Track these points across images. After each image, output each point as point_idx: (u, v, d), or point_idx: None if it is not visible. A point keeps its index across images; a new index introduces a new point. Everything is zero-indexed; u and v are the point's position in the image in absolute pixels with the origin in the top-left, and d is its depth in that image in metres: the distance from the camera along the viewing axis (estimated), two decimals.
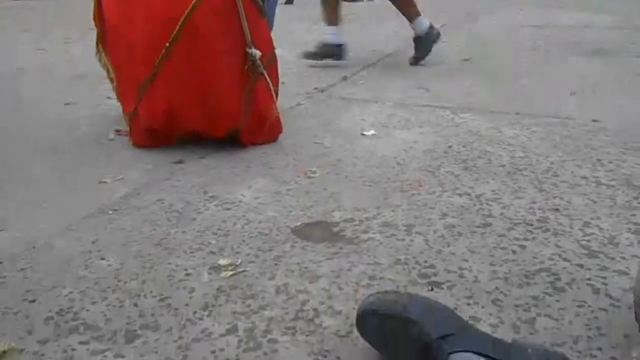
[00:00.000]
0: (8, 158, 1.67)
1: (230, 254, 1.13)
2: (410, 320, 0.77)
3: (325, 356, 0.84)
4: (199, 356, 0.84)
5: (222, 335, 0.89)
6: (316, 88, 2.41)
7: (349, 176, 1.50)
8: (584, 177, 1.46)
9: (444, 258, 1.09)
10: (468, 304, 0.95)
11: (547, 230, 1.19)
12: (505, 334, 0.87)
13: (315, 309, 0.95)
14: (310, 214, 1.29)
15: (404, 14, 2.86)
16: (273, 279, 1.04)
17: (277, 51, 1.77)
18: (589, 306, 0.94)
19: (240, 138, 1.70)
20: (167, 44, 1.54)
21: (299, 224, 1.24)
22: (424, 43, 2.85)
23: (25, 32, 3.83)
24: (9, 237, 1.21)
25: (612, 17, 4.15)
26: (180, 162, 1.61)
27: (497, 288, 0.99)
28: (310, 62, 2.84)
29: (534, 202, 1.32)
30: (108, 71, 1.84)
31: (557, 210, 1.28)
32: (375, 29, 4.17)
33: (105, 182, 1.48)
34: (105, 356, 0.85)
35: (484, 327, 0.88)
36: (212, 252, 1.13)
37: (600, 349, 0.84)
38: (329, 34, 2.84)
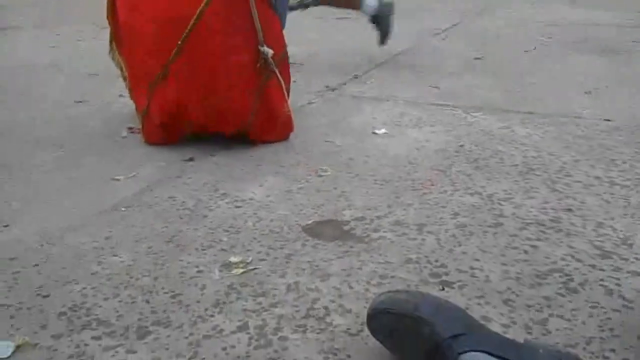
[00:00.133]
0: (20, 155, 1.68)
1: (241, 251, 1.13)
2: (421, 319, 0.77)
3: (335, 354, 0.84)
4: (210, 353, 0.85)
5: (233, 332, 0.89)
6: (327, 86, 2.41)
7: (360, 175, 1.49)
8: (597, 177, 1.44)
9: (456, 257, 1.09)
10: (479, 304, 0.95)
11: (560, 230, 1.19)
12: (517, 335, 0.87)
13: (325, 307, 0.95)
14: (322, 213, 1.29)
15: (349, 8, 2.81)
16: (284, 276, 1.04)
17: (289, 49, 1.77)
18: (602, 307, 0.93)
19: (251, 136, 1.70)
20: (179, 42, 1.55)
21: (310, 222, 1.25)
22: (381, 20, 2.79)
23: (37, 29, 3.85)
24: (23, 233, 1.22)
25: (624, 15, 4.10)
26: (191, 159, 1.62)
27: (508, 288, 0.99)
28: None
29: (546, 202, 1.31)
30: (121, 69, 1.85)
31: (570, 210, 1.27)
32: None
33: (118, 180, 1.49)
34: (117, 352, 0.85)
35: (496, 328, 0.88)
36: (224, 250, 1.14)
37: (613, 350, 0.83)
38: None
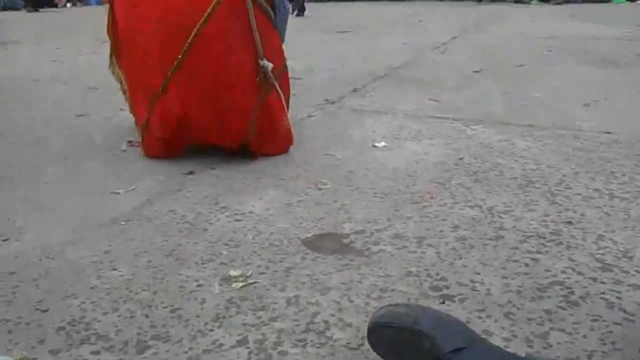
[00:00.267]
0: (21, 168, 1.68)
1: (241, 265, 1.13)
2: (421, 333, 0.76)
3: None
4: None
5: (233, 347, 0.89)
6: (327, 100, 2.42)
7: (359, 188, 1.49)
8: (597, 190, 1.44)
9: (456, 271, 1.09)
10: (480, 318, 0.94)
11: (560, 243, 1.18)
12: (518, 348, 0.86)
13: (326, 321, 0.94)
14: (321, 226, 1.28)
15: None
16: (284, 290, 1.03)
17: (288, 62, 1.78)
18: (604, 320, 0.93)
19: (251, 147, 1.71)
20: (179, 56, 1.55)
21: (309, 235, 1.24)
22: None
23: (39, 44, 3.88)
24: (22, 246, 1.22)
25: (623, 28, 4.13)
26: (191, 173, 1.62)
27: (509, 301, 0.98)
28: None
29: (546, 215, 1.31)
30: (121, 83, 1.86)
31: (570, 223, 1.27)
32: (384, 41, 4.18)
33: (118, 193, 1.49)
34: None
35: (497, 341, 0.87)
36: (223, 263, 1.13)
37: None
38: None
